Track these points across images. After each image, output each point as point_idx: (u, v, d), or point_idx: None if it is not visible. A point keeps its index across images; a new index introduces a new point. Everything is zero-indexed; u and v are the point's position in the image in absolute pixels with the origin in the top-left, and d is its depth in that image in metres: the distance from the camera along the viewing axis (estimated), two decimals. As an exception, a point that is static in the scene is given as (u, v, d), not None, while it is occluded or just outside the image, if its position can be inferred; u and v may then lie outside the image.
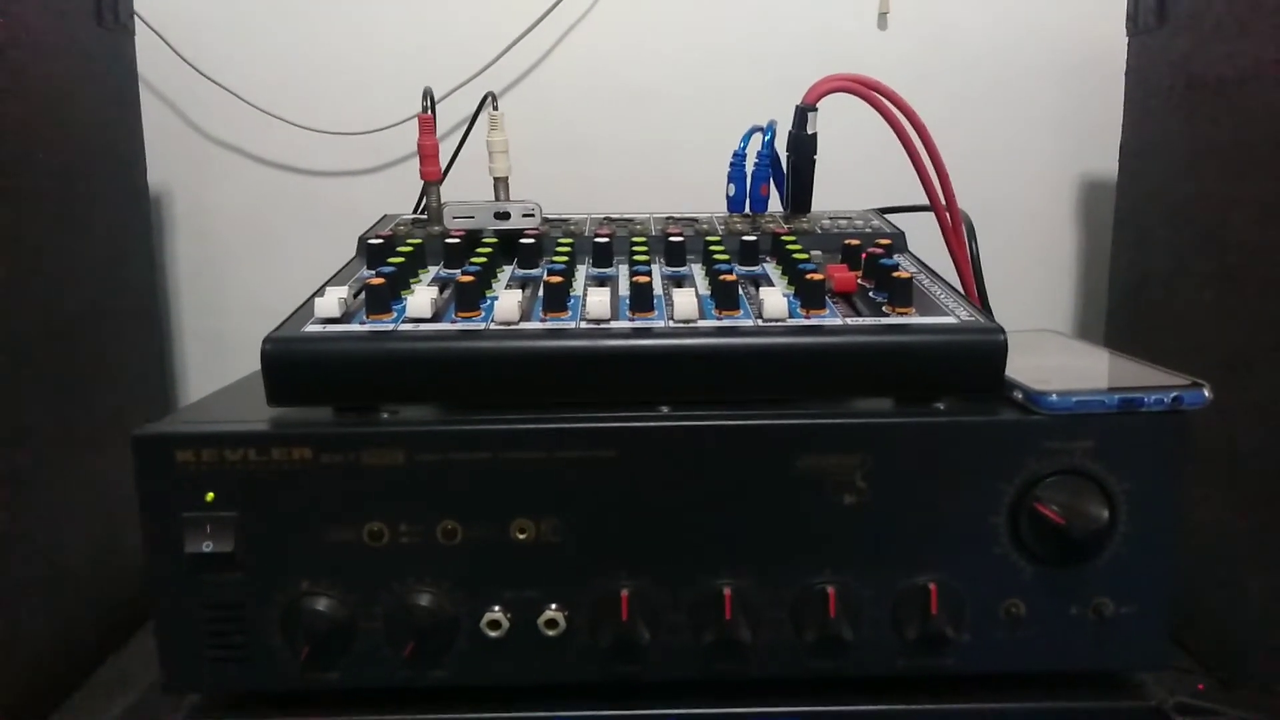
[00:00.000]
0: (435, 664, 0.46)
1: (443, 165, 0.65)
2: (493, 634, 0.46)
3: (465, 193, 0.64)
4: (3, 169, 0.56)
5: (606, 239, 0.58)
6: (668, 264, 0.57)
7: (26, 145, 0.59)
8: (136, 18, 0.74)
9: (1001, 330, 0.46)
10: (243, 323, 0.86)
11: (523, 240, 0.57)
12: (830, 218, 0.65)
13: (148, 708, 0.54)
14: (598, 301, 0.47)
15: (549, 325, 0.47)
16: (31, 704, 0.56)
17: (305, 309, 0.49)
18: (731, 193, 0.65)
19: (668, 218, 0.67)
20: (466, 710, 0.46)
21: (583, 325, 0.47)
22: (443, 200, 0.62)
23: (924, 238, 0.64)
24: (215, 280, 0.86)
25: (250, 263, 0.86)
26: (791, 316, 0.47)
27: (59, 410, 0.61)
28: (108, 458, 0.66)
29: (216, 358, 0.87)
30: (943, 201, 0.62)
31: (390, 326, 0.47)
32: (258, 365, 0.46)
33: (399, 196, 0.81)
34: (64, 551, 0.61)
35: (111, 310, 0.69)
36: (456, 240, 0.57)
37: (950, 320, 0.47)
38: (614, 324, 0.47)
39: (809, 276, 0.49)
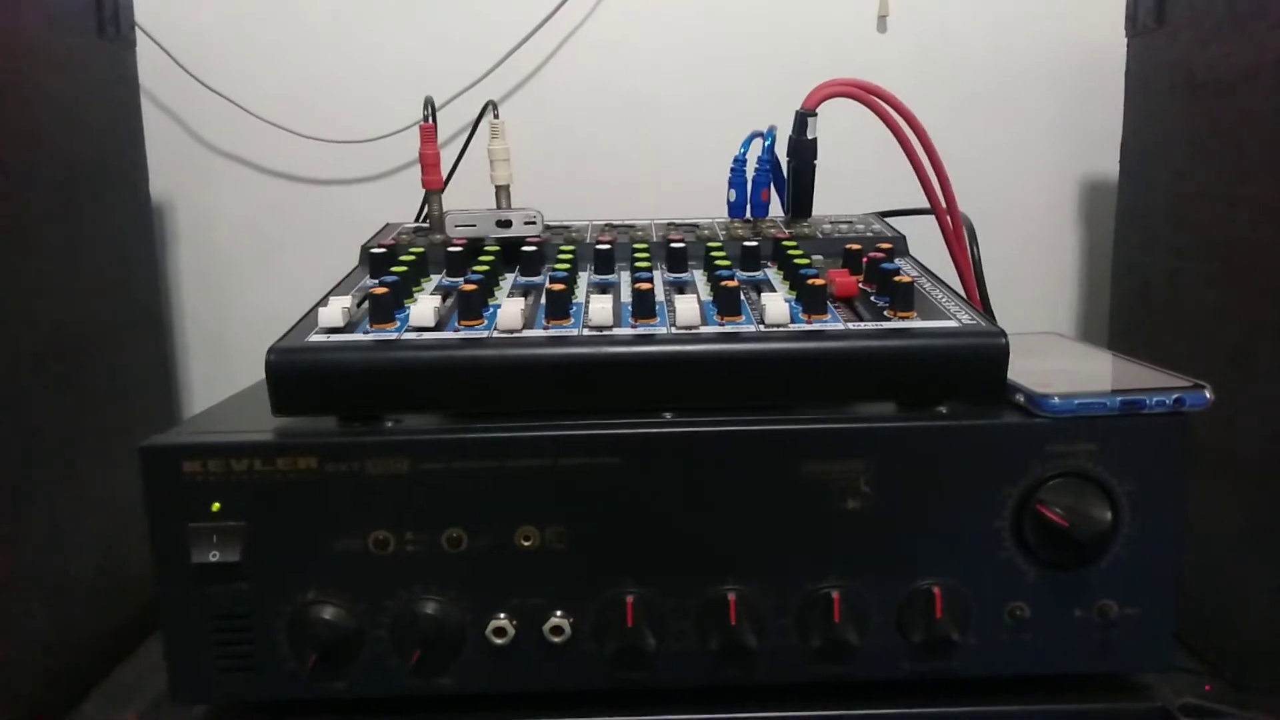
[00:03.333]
0: (442, 672, 0.47)
1: (444, 173, 0.65)
2: (499, 641, 0.46)
3: (466, 200, 0.64)
4: (5, 181, 0.56)
5: (608, 245, 0.58)
6: (669, 270, 0.57)
7: (28, 157, 0.59)
8: (138, 29, 0.75)
9: (1003, 333, 0.46)
10: (246, 332, 0.86)
11: (525, 248, 0.57)
12: (831, 222, 0.65)
13: (154, 718, 0.54)
14: (600, 308, 0.48)
15: (552, 333, 0.47)
16: (37, 715, 0.56)
17: (309, 319, 0.49)
18: (732, 198, 0.65)
19: (669, 224, 0.67)
20: (474, 718, 0.47)
21: (585, 332, 0.47)
22: (444, 208, 0.62)
23: (925, 241, 0.64)
24: (218, 289, 0.86)
25: (253, 272, 0.86)
26: (793, 322, 0.48)
27: (64, 421, 0.61)
28: (113, 468, 0.66)
29: (220, 367, 0.87)
30: (943, 205, 0.62)
31: (394, 336, 0.47)
32: (262, 375, 0.46)
33: (401, 204, 0.81)
34: (69, 562, 0.61)
35: (116, 321, 0.69)
36: (459, 248, 0.57)
37: (952, 324, 0.47)
38: (616, 331, 0.47)
39: (810, 282, 0.49)
